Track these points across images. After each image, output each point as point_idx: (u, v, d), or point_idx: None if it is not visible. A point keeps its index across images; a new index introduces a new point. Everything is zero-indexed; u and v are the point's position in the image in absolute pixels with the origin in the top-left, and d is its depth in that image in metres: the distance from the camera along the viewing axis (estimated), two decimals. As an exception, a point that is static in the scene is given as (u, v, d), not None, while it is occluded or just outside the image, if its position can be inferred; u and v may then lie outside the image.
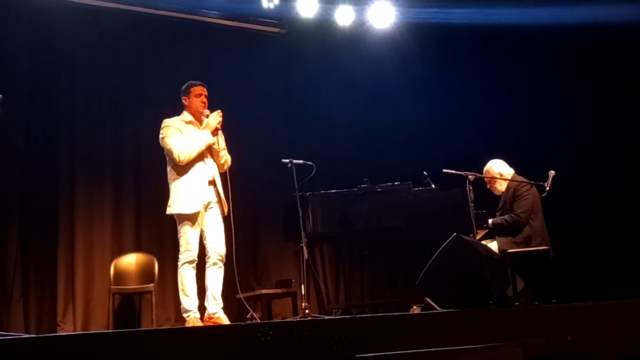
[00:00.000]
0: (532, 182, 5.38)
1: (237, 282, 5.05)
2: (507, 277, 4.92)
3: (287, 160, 5.54)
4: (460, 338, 3.41)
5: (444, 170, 5.30)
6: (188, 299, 4.60)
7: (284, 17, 7.46)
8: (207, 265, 4.71)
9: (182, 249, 4.67)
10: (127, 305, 6.40)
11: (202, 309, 4.68)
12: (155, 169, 6.88)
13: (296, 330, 3.01)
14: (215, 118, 4.73)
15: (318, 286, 7.22)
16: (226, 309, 6.79)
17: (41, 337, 2.83)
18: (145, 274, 6.21)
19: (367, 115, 7.99)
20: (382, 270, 7.70)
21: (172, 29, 7.22)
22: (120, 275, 6.17)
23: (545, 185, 5.24)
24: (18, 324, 5.82)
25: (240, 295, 5.25)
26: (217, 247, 4.69)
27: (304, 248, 5.49)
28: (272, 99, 7.64)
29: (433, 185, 5.95)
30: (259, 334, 2.91)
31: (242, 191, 7.29)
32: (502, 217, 5.40)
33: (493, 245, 5.25)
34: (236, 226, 7.17)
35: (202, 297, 4.72)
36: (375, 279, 7.66)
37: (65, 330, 5.97)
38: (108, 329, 5.82)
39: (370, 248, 7.37)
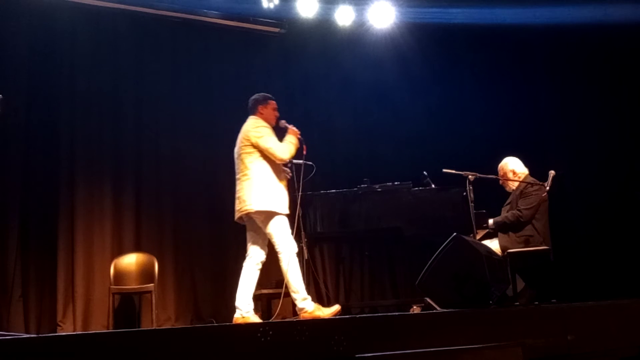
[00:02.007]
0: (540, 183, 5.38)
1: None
2: (507, 277, 4.92)
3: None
4: (460, 338, 3.42)
5: (444, 170, 5.30)
6: (304, 288, 4.79)
7: (284, 17, 7.45)
8: (249, 265, 4.90)
9: (287, 243, 4.83)
10: (127, 305, 6.40)
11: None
12: (156, 169, 6.92)
13: (296, 330, 3.01)
14: (295, 130, 5.09)
15: (318, 286, 7.21)
16: (226, 309, 6.82)
17: (41, 337, 2.84)
18: (145, 274, 6.21)
19: (367, 115, 7.98)
20: (382, 270, 7.69)
21: (172, 29, 7.21)
22: (120, 275, 6.17)
23: (545, 185, 5.25)
24: (18, 324, 5.82)
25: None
26: (264, 254, 4.97)
27: (304, 248, 5.49)
28: (272, 99, 7.64)
29: (433, 185, 5.95)
30: (259, 334, 2.91)
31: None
32: (503, 215, 5.41)
33: (493, 245, 5.25)
34: (236, 226, 7.23)
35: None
36: (375, 279, 7.65)
37: (65, 330, 5.97)
38: (108, 329, 5.82)
39: (370, 248, 7.36)
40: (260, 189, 4.80)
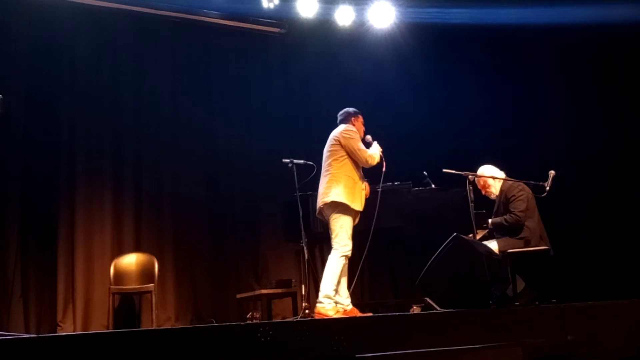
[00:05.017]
0: (531, 182, 5.37)
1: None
2: (507, 277, 4.92)
3: (288, 160, 5.53)
4: (460, 338, 3.42)
5: (444, 170, 5.29)
6: (334, 289, 4.86)
7: (284, 17, 7.45)
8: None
9: (341, 242, 4.98)
10: (127, 305, 6.40)
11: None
12: (156, 168, 6.92)
13: (296, 330, 3.02)
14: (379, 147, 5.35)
15: (318, 286, 7.19)
16: (226, 309, 6.83)
17: (41, 337, 2.83)
18: (145, 274, 6.21)
19: (367, 115, 7.94)
20: (382, 270, 7.69)
21: (172, 29, 7.21)
22: (120, 275, 6.17)
23: (545, 185, 5.24)
24: (18, 324, 5.82)
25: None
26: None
27: (304, 248, 5.49)
28: (272, 99, 7.64)
29: (433, 185, 5.94)
30: (259, 334, 2.91)
31: (242, 191, 7.31)
32: (501, 217, 5.40)
33: (493, 245, 5.25)
34: (236, 226, 7.24)
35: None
36: (375, 279, 7.65)
37: (65, 330, 5.97)
38: (108, 329, 5.82)
39: (370, 248, 7.35)
40: (336, 184, 4.99)
